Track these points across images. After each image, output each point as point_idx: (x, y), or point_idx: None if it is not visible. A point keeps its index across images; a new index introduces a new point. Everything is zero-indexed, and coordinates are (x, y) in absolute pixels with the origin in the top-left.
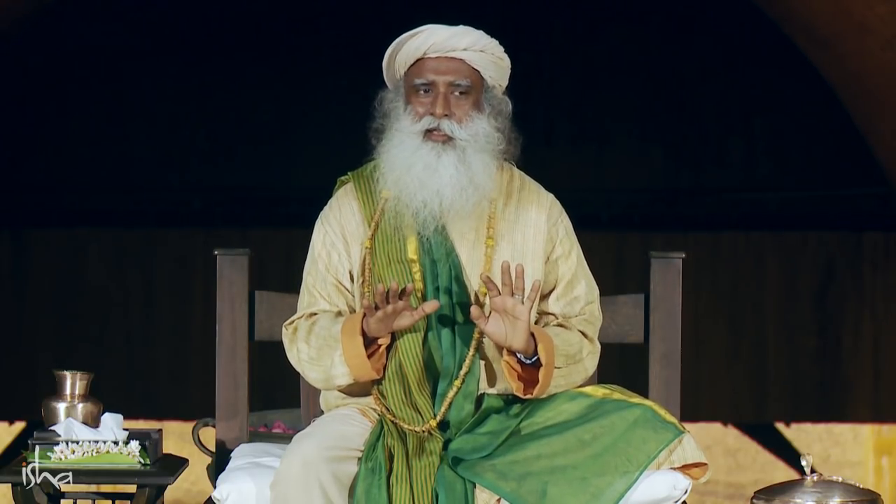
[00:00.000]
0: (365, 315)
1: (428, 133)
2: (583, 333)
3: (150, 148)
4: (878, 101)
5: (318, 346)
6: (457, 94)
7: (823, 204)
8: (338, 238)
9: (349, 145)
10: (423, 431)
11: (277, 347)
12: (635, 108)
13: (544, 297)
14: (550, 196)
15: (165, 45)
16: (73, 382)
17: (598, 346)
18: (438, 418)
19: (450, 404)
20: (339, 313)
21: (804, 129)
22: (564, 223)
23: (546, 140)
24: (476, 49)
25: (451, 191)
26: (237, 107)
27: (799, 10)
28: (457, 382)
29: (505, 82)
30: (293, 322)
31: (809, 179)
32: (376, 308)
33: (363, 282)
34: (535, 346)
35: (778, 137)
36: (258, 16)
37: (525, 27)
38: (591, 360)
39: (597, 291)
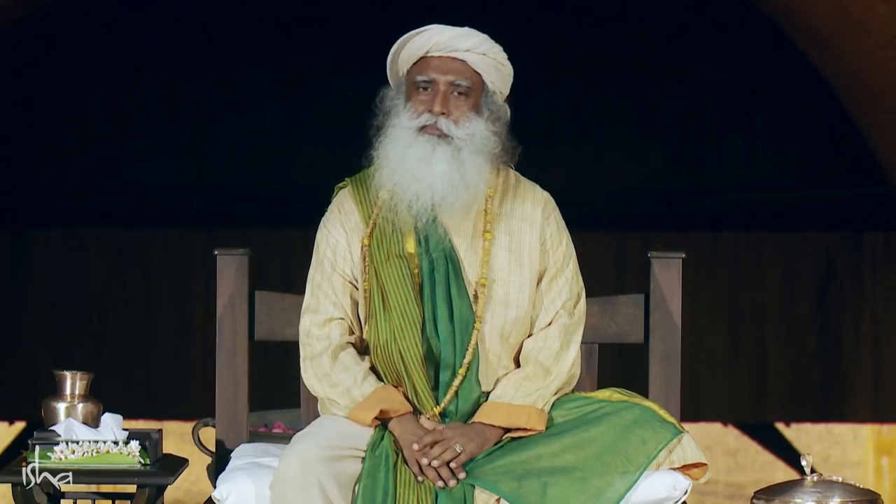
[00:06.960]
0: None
1: (423, 129)
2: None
3: (151, 148)
4: (878, 101)
5: (332, 385)
6: (456, 94)
7: (823, 204)
8: (341, 236)
9: (349, 146)
10: (429, 419)
11: (277, 347)
12: (635, 108)
13: (538, 283)
14: (546, 194)
15: (165, 45)
16: (73, 382)
17: (575, 344)
18: (443, 406)
19: (455, 393)
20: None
21: (804, 129)
22: (556, 218)
23: (546, 140)
24: (478, 52)
25: (442, 184)
26: (237, 107)
27: (799, 10)
28: (461, 371)
29: (506, 90)
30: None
31: (809, 179)
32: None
33: (365, 279)
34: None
35: (778, 137)
36: (258, 16)
37: (525, 27)
38: (561, 364)
39: (579, 289)
